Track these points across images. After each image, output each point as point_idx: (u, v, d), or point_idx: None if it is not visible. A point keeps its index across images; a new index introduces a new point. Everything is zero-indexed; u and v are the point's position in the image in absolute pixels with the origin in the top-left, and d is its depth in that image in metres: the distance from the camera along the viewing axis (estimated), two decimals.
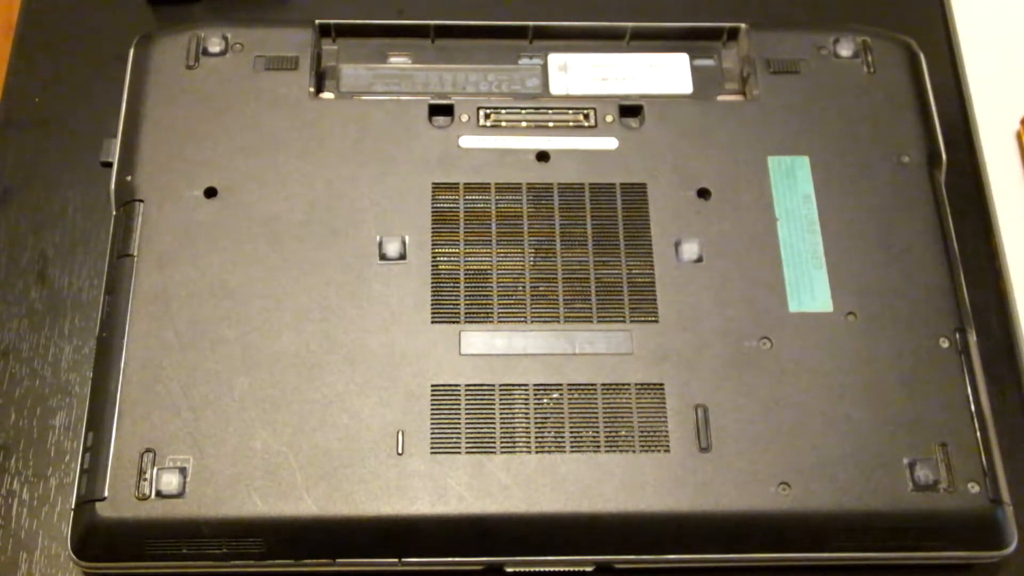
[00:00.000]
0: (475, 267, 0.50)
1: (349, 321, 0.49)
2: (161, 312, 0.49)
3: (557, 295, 0.50)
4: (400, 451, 0.47)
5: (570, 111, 0.55)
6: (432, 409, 0.47)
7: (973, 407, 0.48)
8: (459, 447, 0.47)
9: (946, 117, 0.57)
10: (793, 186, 0.53)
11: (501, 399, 0.48)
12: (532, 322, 0.50)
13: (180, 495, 0.46)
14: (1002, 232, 0.58)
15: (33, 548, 0.49)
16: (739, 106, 0.55)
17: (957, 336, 0.50)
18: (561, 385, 0.48)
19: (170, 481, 0.46)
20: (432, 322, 0.49)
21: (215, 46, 0.55)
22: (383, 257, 0.50)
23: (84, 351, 0.53)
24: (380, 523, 0.46)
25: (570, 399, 0.48)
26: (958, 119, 0.61)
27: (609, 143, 0.53)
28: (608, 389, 0.48)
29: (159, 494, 0.46)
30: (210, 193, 0.51)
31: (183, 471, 0.46)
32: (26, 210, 0.57)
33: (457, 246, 0.51)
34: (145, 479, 0.46)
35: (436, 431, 0.47)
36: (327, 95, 0.55)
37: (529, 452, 0.47)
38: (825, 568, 0.49)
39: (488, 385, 0.48)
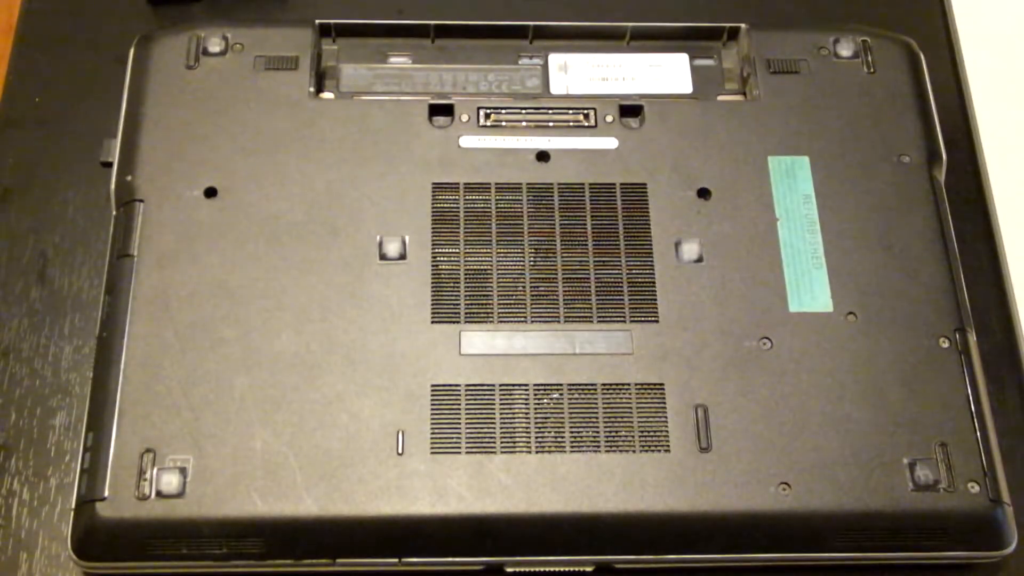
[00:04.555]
0: (475, 267, 0.50)
1: (349, 321, 0.49)
2: (161, 312, 0.49)
3: (557, 295, 0.50)
4: (400, 451, 0.47)
5: (570, 111, 0.55)
6: (432, 409, 0.47)
7: (973, 407, 0.48)
8: (459, 447, 0.47)
9: (946, 117, 0.57)
10: (793, 186, 0.53)
11: (501, 399, 0.48)
12: (532, 322, 0.50)
13: (180, 495, 0.46)
14: (1002, 232, 0.58)
15: (33, 548, 0.49)
16: (739, 106, 0.55)
17: (957, 336, 0.50)
18: (561, 385, 0.48)
19: (170, 481, 0.46)
20: (432, 322, 0.49)
21: (215, 46, 0.55)
22: (383, 257, 0.50)
23: (84, 351, 0.53)
24: (380, 523, 0.46)
25: (570, 399, 0.48)
26: (958, 119, 0.61)
27: (609, 143, 0.53)
28: (608, 389, 0.48)
29: (159, 494, 0.46)
30: (210, 193, 0.51)
31: (183, 471, 0.46)
32: (26, 210, 0.57)
33: (457, 246, 0.51)
34: (145, 479, 0.46)
35: (436, 431, 0.47)
36: (327, 95, 0.55)
37: (529, 452, 0.47)
38: (825, 568, 0.49)
39: (488, 385, 0.48)
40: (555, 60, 0.56)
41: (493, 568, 0.47)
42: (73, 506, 0.46)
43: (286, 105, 0.53)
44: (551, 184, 0.52)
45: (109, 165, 0.53)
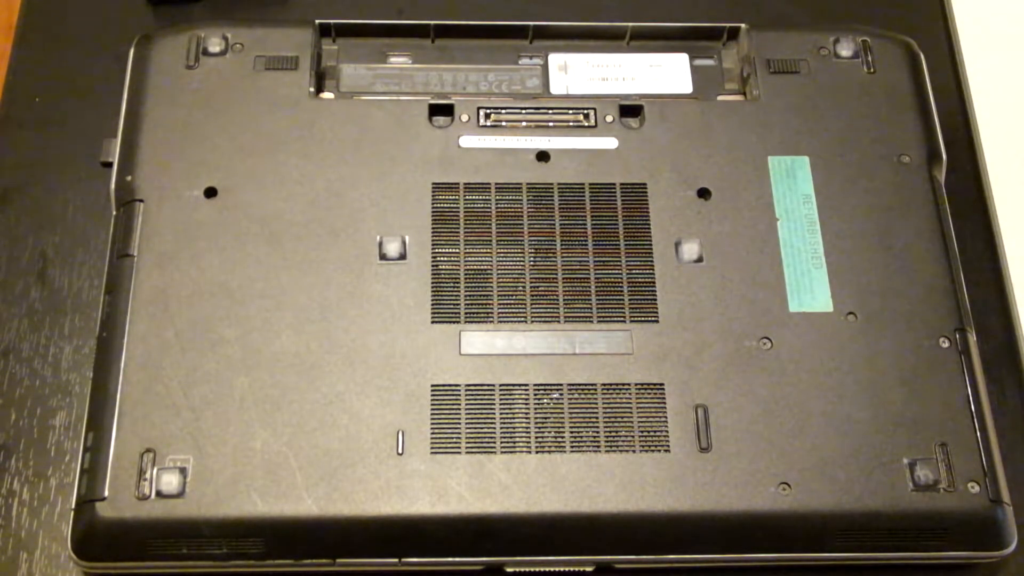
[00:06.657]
0: (475, 267, 0.50)
1: (349, 321, 0.49)
2: (161, 312, 0.49)
3: (557, 295, 0.50)
4: (400, 451, 0.47)
5: (570, 111, 0.55)
6: (432, 409, 0.47)
7: (973, 407, 0.48)
8: (459, 447, 0.47)
9: (946, 117, 0.57)
10: (793, 186, 0.53)
11: (501, 399, 0.48)
12: (532, 322, 0.50)
13: (180, 495, 0.46)
14: (1002, 232, 0.58)
15: (33, 548, 0.49)
16: (739, 106, 0.55)
17: (957, 336, 0.50)
18: (561, 385, 0.48)
19: (170, 481, 0.46)
20: (432, 322, 0.49)
21: (215, 46, 0.55)
22: (383, 257, 0.50)
23: (84, 351, 0.53)
24: (380, 523, 0.46)
25: (570, 399, 0.48)
26: (958, 119, 0.61)
27: (609, 143, 0.53)
28: (608, 389, 0.48)
29: (159, 494, 0.46)
30: (210, 193, 0.51)
31: (183, 471, 0.46)
32: (26, 210, 0.57)
33: (457, 246, 0.51)
34: (145, 479, 0.46)
35: (436, 431, 0.47)
36: (327, 95, 0.55)
37: (529, 452, 0.47)
38: (825, 568, 0.49)
39: (488, 385, 0.48)
40: (555, 60, 0.56)
41: (493, 568, 0.47)
42: (73, 506, 0.46)
43: (286, 105, 0.53)
44: (551, 184, 0.52)
45: (109, 165, 0.53)
